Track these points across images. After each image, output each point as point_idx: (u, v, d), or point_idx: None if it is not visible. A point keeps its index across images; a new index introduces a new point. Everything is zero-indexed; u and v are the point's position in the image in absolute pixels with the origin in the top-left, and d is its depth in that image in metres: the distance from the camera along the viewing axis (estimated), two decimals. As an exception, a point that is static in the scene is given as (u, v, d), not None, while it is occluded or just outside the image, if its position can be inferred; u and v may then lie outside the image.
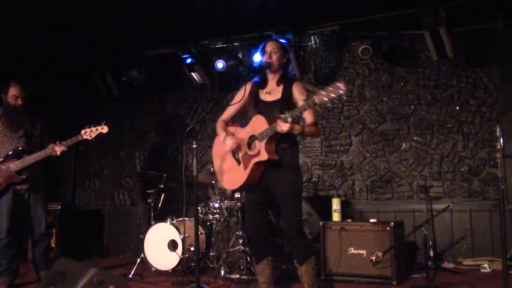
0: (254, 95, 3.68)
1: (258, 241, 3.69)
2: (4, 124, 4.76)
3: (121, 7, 5.28)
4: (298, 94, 3.54)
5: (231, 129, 3.76)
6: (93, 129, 4.69)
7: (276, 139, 3.44)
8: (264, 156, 3.41)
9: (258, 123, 3.47)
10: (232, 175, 3.65)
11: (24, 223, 4.84)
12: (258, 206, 3.65)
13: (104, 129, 4.70)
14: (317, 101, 3.16)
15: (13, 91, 4.77)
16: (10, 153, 4.66)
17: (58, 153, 4.67)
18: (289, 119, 3.24)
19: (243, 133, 3.63)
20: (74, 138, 4.67)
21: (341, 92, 3.08)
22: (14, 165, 4.62)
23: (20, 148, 4.69)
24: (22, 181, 4.65)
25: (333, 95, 3.11)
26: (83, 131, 4.68)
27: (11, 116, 4.77)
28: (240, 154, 3.60)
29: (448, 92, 5.68)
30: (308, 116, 3.51)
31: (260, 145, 3.44)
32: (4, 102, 4.82)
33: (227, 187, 3.84)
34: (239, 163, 3.60)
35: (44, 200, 4.88)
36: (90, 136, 4.67)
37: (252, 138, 3.54)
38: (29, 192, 4.76)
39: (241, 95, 3.73)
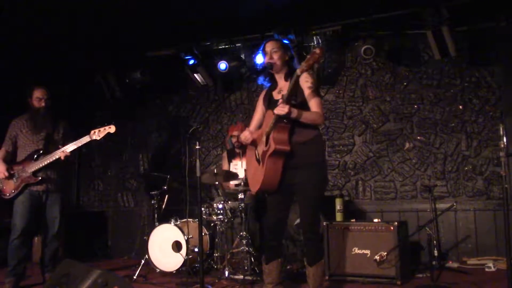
0: (268, 97, 3.69)
1: (272, 242, 3.66)
2: (28, 126, 4.88)
3: (124, 9, 5.30)
4: (303, 82, 3.48)
5: (254, 133, 3.75)
6: (101, 129, 4.75)
7: (287, 130, 3.40)
8: (271, 147, 3.38)
9: (269, 118, 3.48)
10: (254, 176, 3.64)
11: (37, 225, 4.91)
12: (277, 206, 3.62)
13: (112, 129, 4.75)
14: (299, 72, 3.21)
15: (36, 93, 4.87)
16: (28, 154, 4.78)
17: (62, 157, 4.72)
18: (282, 101, 3.27)
19: (260, 133, 3.64)
20: (83, 138, 4.74)
21: (317, 56, 3.14)
22: (30, 167, 4.72)
23: (38, 150, 4.79)
24: (38, 182, 4.74)
25: (311, 62, 3.16)
26: (92, 132, 4.75)
27: (34, 118, 4.89)
28: (260, 154, 3.58)
29: (451, 92, 5.68)
30: (313, 105, 3.46)
31: (270, 138, 3.43)
32: (29, 105, 4.92)
33: (252, 190, 3.76)
34: (259, 163, 3.58)
35: (60, 202, 4.92)
36: (99, 136, 4.73)
37: (267, 135, 3.55)
38: (46, 193, 4.82)
39: (260, 103, 3.76)
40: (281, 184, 3.50)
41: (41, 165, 4.72)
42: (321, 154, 3.65)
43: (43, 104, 4.87)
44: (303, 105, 3.45)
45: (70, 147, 4.72)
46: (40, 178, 4.74)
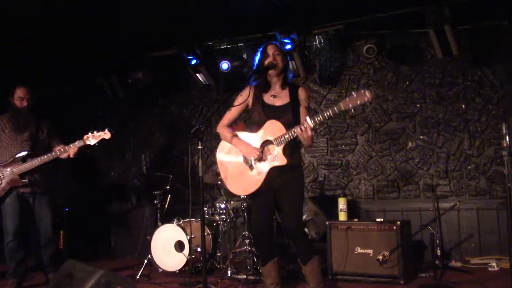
0: (258, 99, 3.67)
1: (264, 243, 3.70)
2: (10, 126, 4.79)
3: (126, 8, 5.30)
4: (303, 100, 3.62)
5: (239, 134, 3.73)
6: (96, 134, 4.69)
7: (288, 144, 3.48)
8: (283, 161, 3.44)
9: (275, 128, 3.49)
10: (244, 180, 3.62)
11: (31, 226, 4.88)
12: (264, 207, 3.65)
13: (107, 135, 4.71)
14: (343, 107, 3.23)
15: (18, 92, 4.80)
16: (15, 156, 4.71)
17: (71, 155, 4.70)
18: (311, 123, 3.30)
19: (254, 138, 3.62)
20: (76, 143, 4.69)
21: (367, 99, 3.17)
22: (17, 169, 4.66)
23: (25, 152, 4.73)
24: (24, 184, 4.69)
25: (359, 102, 3.18)
26: (85, 136, 4.70)
27: (16, 118, 4.81)
28: (254, 160, 3.59)
29: (453, 90, 5.66)
30: None
31: (277, 150, 3.47)
32: (11, 105, 4.85)
33: (237, 193, 3.82)
34: (252, 168, 3.58)
35: (50, 203, 4.88)
36: (93, 142, 4.69)
37: (265, 143, 3.55)
38: (34, 195, 4.79)
39: (243, 99, 3.69)
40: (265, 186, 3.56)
41: (29, 168, 4.66)
42: (300, 158, 3.85)
43: (25, 104, 4.81)
44: (298, 117, 3.53)
45: (70, 149, 4.67)
46: (27, 180, 4.69)
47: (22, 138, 4.79)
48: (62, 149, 4.70)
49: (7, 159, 4.73)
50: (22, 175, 4.68)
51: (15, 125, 4.79)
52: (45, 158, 4.68)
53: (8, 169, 4.68)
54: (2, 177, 4.67)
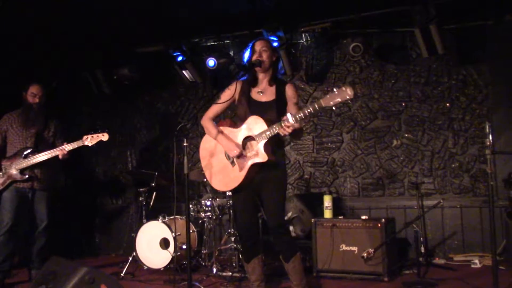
0: (246, 94, 3.65)
1: (248, 241, 3.70)
2: (19, 122, 4.89)
3: (112, 4, 5.25)
4: (290, 96, 3.60)
5: (224, 130, 3.70)
6: (94, 136, 4.80)
7: (271, 141, 3.46)
8: (264, 157, 3.42)
9: (256, 124, 3.48)
10: (225, 176, 3.62)
11: (24, 222, 4.91)
12: (247, 204, 3.66)
13: (105, 137, 4.84)
14: (323, 104, 3.21)
15: (32, 89, 4.94)
16: (17, 151, 4.79)
17: (60, 157, 4.76)
18: (292, 121, 3.27)
19: (237, 134, 3.61)
20: (75, 143, 4.77)
21: (348, 97, 3.12)
22: (18, 164, 4.73)
23: (27, 148, 4.80)
24: (24, 179, 4.74)
25: (339, 100, 3.15)
26: (84, 137, 4.79)
27: (26, 114, 4.91)
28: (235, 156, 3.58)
29: (438, 89, 5.71)
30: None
31: (258, 146, 3.46)
32: (23, 100, 4.96)
33: (219, 189, 3.78)
34: (233, 164, 3.58)
35: (47, 200, 4.92)
36: (91, 143, 4.79)
37: (247, 139, 3.54)
38: (33, 191, 4.82)
39: (230, 94, 3.66)
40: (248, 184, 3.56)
41: (29, 163, 4.72)
42: (284, 156, 3.81)
43: (36, 100, 4.92)
44: (283, 114, 3.48)
45: (66, 147, 4.74)
46: (27, 176, 4.73)
47: (27, 134, 4.87)
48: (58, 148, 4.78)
49: (11, 154, 4.81)
50: (22, 171, 4.73)
51: (23, 121, 4.89)
52: (43, 155, 4.74)
53: (10, 163, 4.77)
54: (3, 170, 4.75)
